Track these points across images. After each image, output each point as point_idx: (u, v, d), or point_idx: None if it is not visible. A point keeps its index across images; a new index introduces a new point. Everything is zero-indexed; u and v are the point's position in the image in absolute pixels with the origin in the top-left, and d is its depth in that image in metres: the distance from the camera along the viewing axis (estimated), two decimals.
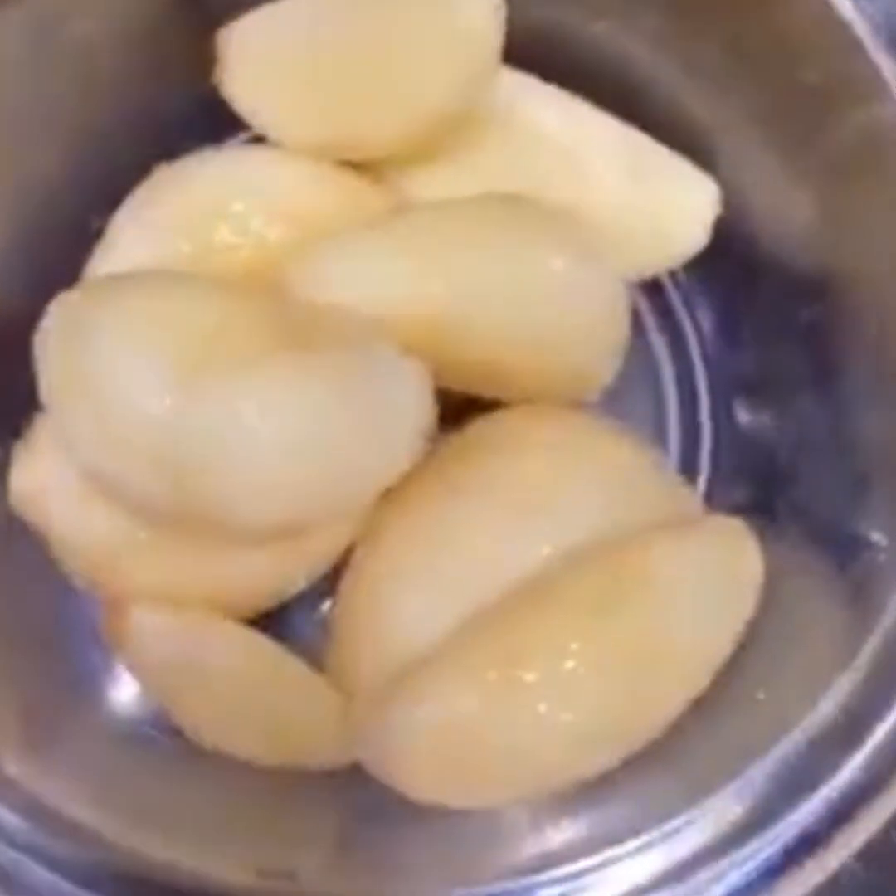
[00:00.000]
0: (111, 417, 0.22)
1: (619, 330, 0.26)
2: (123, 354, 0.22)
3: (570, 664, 0.21)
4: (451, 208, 0.26)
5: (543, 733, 0.21)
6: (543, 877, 0.22)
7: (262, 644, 0.24)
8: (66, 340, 0.23)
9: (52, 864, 0.21)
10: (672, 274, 0.32)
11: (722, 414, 0.31)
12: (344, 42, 0.27)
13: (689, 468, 0.31)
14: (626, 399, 0.30)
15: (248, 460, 0.22)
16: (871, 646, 0.22)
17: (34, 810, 0.21)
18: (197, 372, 0.22)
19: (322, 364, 0.22)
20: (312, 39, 0.27)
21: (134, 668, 0.24)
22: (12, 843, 0.21)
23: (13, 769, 0.21)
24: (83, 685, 0.26)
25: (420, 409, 0.24)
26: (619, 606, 0.22)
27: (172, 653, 0.23)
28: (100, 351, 0.22)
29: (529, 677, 0.21)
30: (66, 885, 0.21)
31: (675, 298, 0.32)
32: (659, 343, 0.32)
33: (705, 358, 0.32)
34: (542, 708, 0.21)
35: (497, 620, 0.22)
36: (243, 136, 0.30)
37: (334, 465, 0.23)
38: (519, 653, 0.22)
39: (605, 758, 0.22)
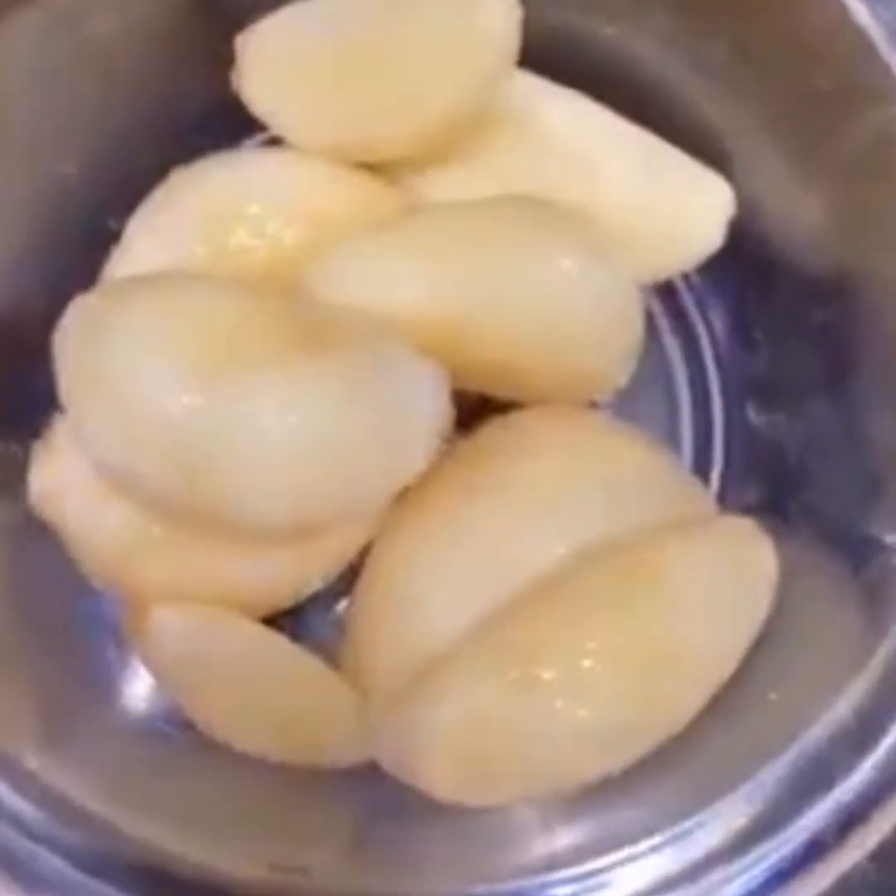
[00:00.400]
0: (128, 417, 0.22)
1: (633, 331, 0.26)
2: (140, 354, 0.22)
3: (587, 662, 0.21)
4: (464, 209, 0.26)
5: (561, 731, 0.21)
6: (556, 876, 0.22)
7: (278, 642, 0.24)
8: (83, 341, 0.23)
9: (67, 854, 0.21)
10: (685, 276, 0.32)
11: (735, 415, 0.31)
12: (360, 44, 0.27)
13: (701, 469, 0.31)
14: (639, 400, 0.30)
15: (263, 460, 0.22)
16: (885, 648, 0.22)
17: (50, 802, 0.22)
18: (213, 372, 0.22)
19: (338, 364, 0.23)
20: (329, 42, 0.27)
21: (152, 665, 0.24)
22: (29, 833, 0.21)
23: (32, 763, 0.22)
24: (100, 682, 0.27)
25: (436, 410, 0.24)
26: (634, 605, 0.22)
27: (191, 650, 0.23)
28: (117, 351, 0.22)
29: (547, 675, 0.21)
30: (80, 876, 0.21)
31: (688, 300, 0.32)
32: (672, 345, 0.32)
33: (718, 359, 0.32)
34: (559, 706, 0.21)
35: (514, 619, 0.22)
36: (260, 137, 0.30)
37: (350, 465, 0.23)
38: (537, 651, 0.22)
39: (621, 756, 0.22)
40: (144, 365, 0.22)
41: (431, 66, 0.27)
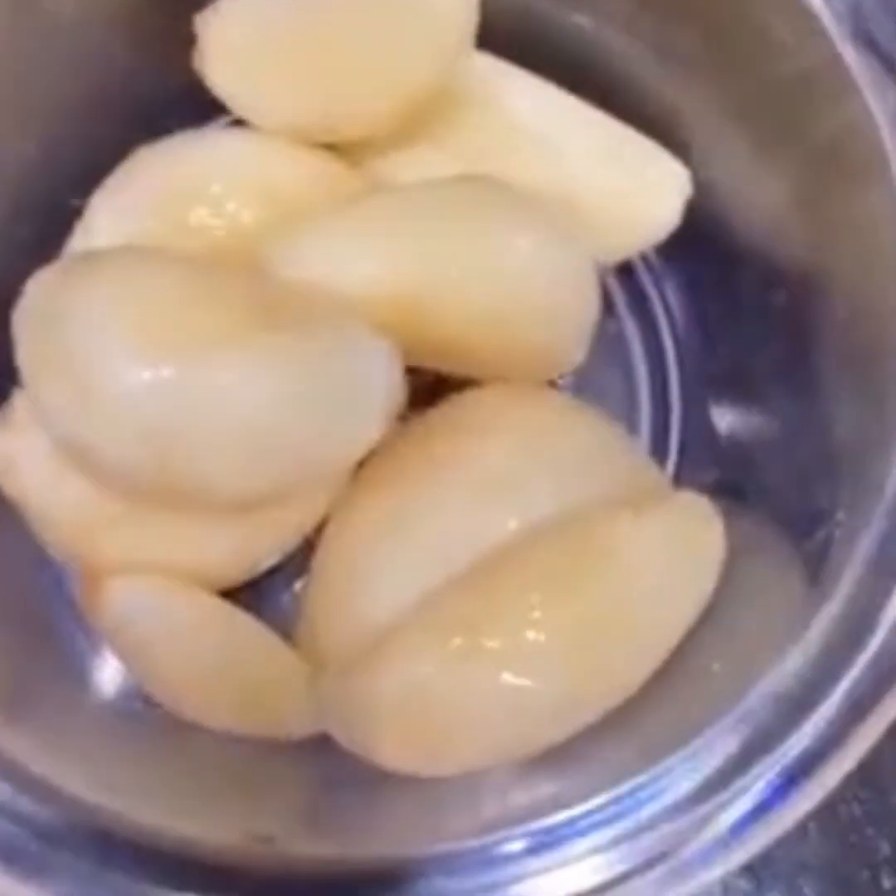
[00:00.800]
0: (86, 392, 0.22)
1: (589, 309, 0.27)
2: (99, 330, 0.22)
3: (532, 633, 0.22)
4: (422, 189, 0.26)
5: (505, 701, 0.22)
6: (510, 833, 0.22)
7: (234, 614, 0.24)
8: (42, 317, 0.23)
9: (29, 824, 0.21)
10: (644, 258, 0.32)
11: (693, 395, 0.32)
12: (320, 25, 0.27)
13: (659, 449, 0.31)
14: (597, 380, 0.30)
15: (221, 433, 0.22)
16: (824, 620, 0.22)
17: (15, 775, 0.22)
18: (171, 347, 0.22)
19: (294, 340, 0.23)
20: (290, 22, 0.27)
21: (110, 639, 0.25)
22: None
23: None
24: (65, 658, 0.27)
25: (389, 385, 0.24)
26: (583, 578, 0.23)
27: (147, 623, 0.24)
28: (75, 326, 0.22)
29: (491, 644, 0.22)
30: (44, 848, 0.21)
31: (647, 282, 0.32)
32: (630, 326, 0.32)
33: (676, 340, 0.32)
34: (503, 675, 0.22)
35: (461, 590, 0.23)
36: (225, 118, 0.30)
37: (305, 438, 0.23)
38: (482, 620, 0.22)
39: (567, 725, 0.23)
40: (103, 340, 0.22)
41: (389, 46, 0.27)
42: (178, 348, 0.22)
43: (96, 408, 0.22)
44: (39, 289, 0.24)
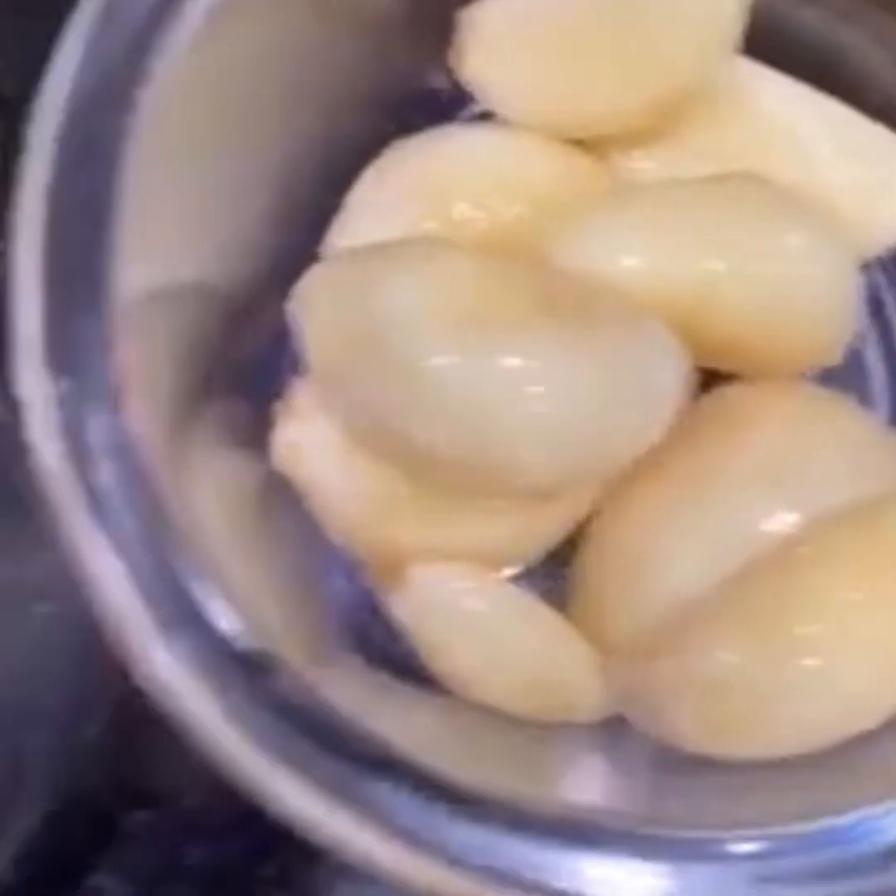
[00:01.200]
0: (398, 378, 0.23)
1: (851, 307, 0.27)
2: (404, 315, 0.23)
3: (841, 619, 0.22)
4: (694, 184, 0.27)
5: (813, 688, 0.22)
6: (746, 832, 0.22)
7: (532, 602, 0.25)
8: (335, 307, 0.24)
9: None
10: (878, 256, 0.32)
11: None
12: (584, 21, 0.27)
13: None
14: (832, 377, 0.30)
15: (527, 421, 0.23)
16: None
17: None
18: (479, 331, 0.23)
19: (592, 333, 0.23)
20: (552, 18, 0.28)
21: (407, 624, 0.25)
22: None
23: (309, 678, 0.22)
24: (348, 628, 0.27)
25: (677, 382, 0.24)
26: (878, 564, 0.23)
27: (449, 610, 0.24)
28: (378, 314, 0.23)
29: (800, 631, 0.22)
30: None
31: (880, 280, 0.32)
32: (865, 324, 0.32)
33: None
34: (812, 663, 0.22)
35: (761, 578, 0.23)
36: (472, 114, 0.30)
37: (599, 430, 0.23)
38: (786, 607, 0.22)
39: (871, 717, 0.23)
40: (411, 325, 0.23)
41: (651, 45, 0.27)
42: (485, 333, 0.23)
43: (407, 393, 0.23)
44: (325, 280, 0.25)
